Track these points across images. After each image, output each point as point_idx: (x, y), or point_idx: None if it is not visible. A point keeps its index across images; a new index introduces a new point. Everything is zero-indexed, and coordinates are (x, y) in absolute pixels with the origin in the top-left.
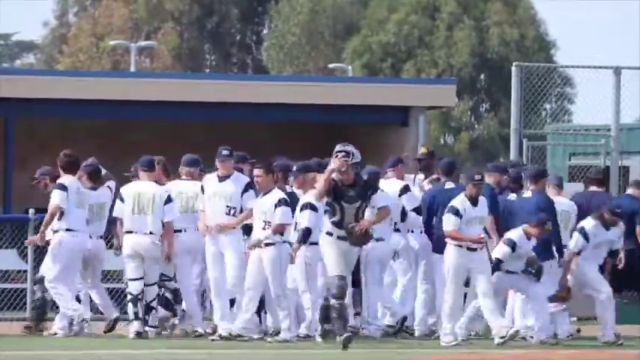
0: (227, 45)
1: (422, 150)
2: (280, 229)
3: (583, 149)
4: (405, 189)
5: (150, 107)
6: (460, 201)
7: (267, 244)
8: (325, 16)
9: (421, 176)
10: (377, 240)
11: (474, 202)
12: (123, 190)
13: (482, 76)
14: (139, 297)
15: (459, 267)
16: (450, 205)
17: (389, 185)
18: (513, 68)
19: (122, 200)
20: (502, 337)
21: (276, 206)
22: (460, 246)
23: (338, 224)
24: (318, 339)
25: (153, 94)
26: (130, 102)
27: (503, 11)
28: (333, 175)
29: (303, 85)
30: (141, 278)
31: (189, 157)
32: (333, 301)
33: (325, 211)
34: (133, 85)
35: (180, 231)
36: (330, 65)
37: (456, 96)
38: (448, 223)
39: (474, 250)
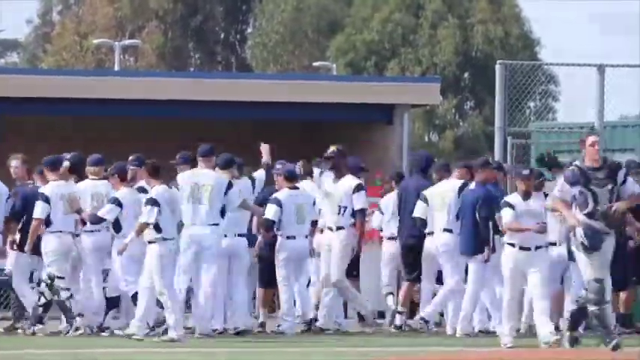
0: (211, 43)
1: (331, 148)
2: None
3: (567, 147)
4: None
5: (134, 105)
6: (512, 196)
7: (150, 242)
8: (309, 14)
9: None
10: (287, 238)
11: (525, 196)
12: (46, 191)
13: (466, 74)
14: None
15: (515, 268)
16: (503, 200)
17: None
18: (497, 66)
19: (47, 202)
20: (546, 343)
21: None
22: (513, 245)
23: (591, 214)
24: (566, 345)
25: (137, 93)
26: (114, 100)
27: (487, 9)
28: (578, 163)
29: (287, 83)
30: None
31: (94, 156)
32: (592, 308)
33: (574, 204)
34: (117, 84)
35: (93, 231)
36: (315, 63)
37: (440, 94)
38: (505, 216)
39: (528, 249)
